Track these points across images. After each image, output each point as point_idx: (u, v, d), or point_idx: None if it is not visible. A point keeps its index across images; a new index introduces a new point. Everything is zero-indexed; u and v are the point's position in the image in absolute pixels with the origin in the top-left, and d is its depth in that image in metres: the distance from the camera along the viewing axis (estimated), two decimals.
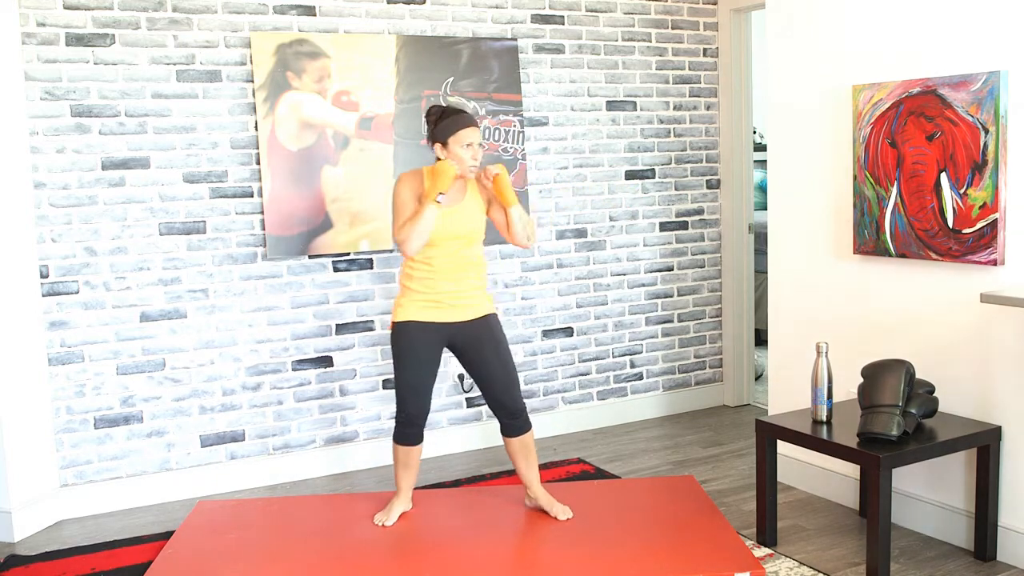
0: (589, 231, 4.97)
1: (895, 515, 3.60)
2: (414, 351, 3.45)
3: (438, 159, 3.40)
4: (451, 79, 4.50)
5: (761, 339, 6.42)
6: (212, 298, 4.17)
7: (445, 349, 3.79)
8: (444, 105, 3.48)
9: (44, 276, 3.88)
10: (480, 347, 3.49)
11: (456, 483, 4.20)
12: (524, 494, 3.84)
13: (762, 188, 7.40)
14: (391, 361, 4.53)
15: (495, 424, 4.78)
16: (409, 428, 3.53)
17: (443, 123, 3.36)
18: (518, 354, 4.81)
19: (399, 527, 3.58)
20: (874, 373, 3.22)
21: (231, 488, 4.27)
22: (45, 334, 3.90)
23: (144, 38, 3.97)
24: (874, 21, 3.53)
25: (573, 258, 4.93)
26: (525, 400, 4.57)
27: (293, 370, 4.35)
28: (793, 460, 4.04)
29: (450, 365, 4.66)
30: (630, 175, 5.06)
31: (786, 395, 4.03)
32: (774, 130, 4.01)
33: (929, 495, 3.49)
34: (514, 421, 3.54)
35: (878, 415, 3.11)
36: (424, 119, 3.44)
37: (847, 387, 3.74)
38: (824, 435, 3.23)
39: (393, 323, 3.50)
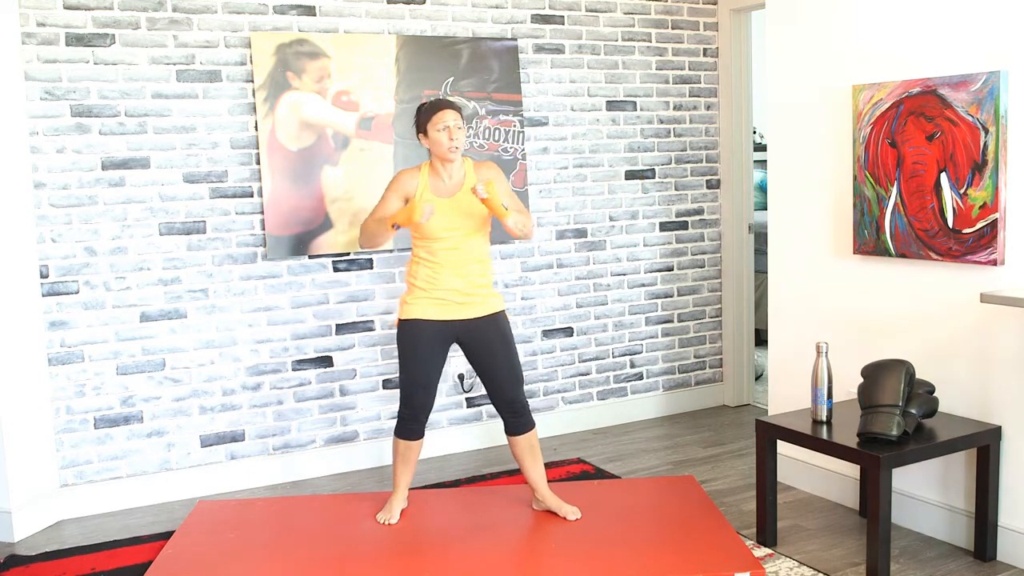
0: (589, 231, 4.97)
1: (895, 515, 3.60)
2: (419, 348, 3.47)
3: (431, 154, 3.48)
4: (451, 79, 4.50)
5: (761, 339, 6.42)
6: (212, 298, 4.17)
7: (454, 345, 3.80)
8: (425, 102, 3.53)
9: (44, 276, 3.88)
10: (488, 345, 3.49)
11: (456, 483, 4.20)
12: (526, 495, 3.84)
13: (762, 188, 7.40)
14: (392, 361, 4.53)
15: (495, 424, 4.78)
16: (412, 423, 3.55)
17: (422, 114, 3.45)
18: (518, 354, 4.80)
19: (399, 527, 3.58)
20: (874, 373, 3.22)
21: (231, 488, 4.27)
22: (45, 334, 3.90)
23: (144, 38, 3.97)
24: (874, 21, 3.53)
25: (573, 258, 4.93)
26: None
27: (293, 370, 4.35)
28: (793, 460, 4.04)
29: (451, 365, 4.66)
30: (630, 175, 5.06)
31: (786, 395, 4.03)
32: (774, 130, 4.01)
33: (929, 495, 3.49)
34: (519, 419, 3.54)
35: (878, 415, 3.11)
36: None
37: (847, 387, 3.74)
38: (824, 435, 3.23)
39: (399, 320, 3.51)
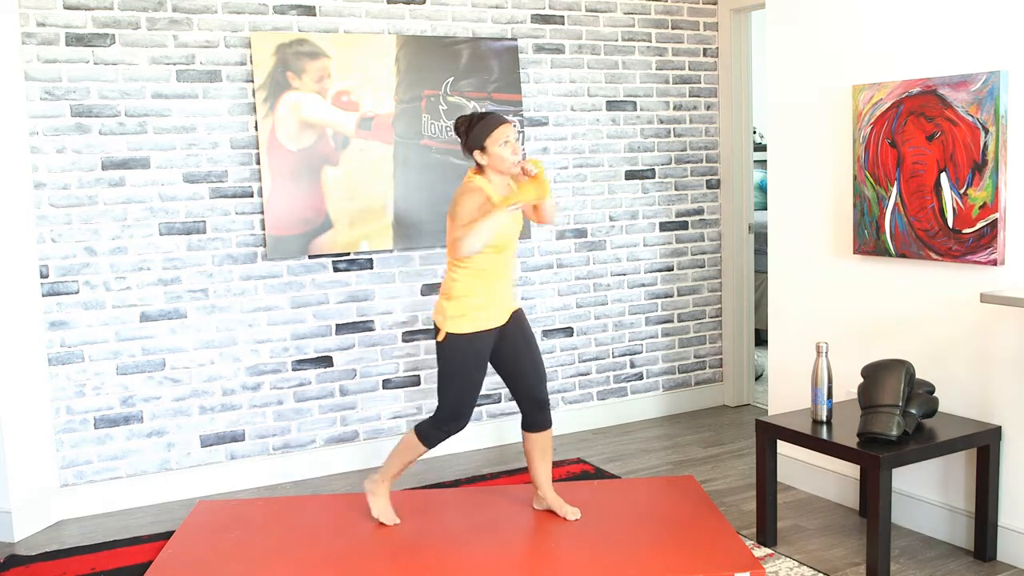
0: (589, 231, 4.97)
1: (895, 515, 3.60)
2: (478, 363, 3.41)
3: (478, 165, 3.37)
4: (451, 79, 4.50)
5: (761, 339, 6.42)
6: (212, 298, 4.17)
7: None
8: (469, 114, 3.42)
9: (44, 276, 3.88)
10: (515, 341, 3.49)
11: (456, 483, 4.20)
12: (526, 495, 3.84)
13: (762, 188, 7.40)
14: (392, 361, 4.53)
15: (495, 424, 4.78)
16: (446, 436, 3.50)
17: (476, 129, 3.34)
18: None
19: (399, 527, 3.58)
20: (874, 373, 3.22)
21: (231, 488, 4.27)
22: (45, 334, 3.90)
23: (144, 38, 3.97)
24: (874, 21, 3.53)
25: (573, 258, 4.93)
26: None
27: (293, 370, 4.35)
28: (793, 460, 4.04)
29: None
30: (630, 175, 5.06)
31: (786, 395, 4.03)
32: (774, 130, 4.01)
33: (929, 495, 3.49)
34: (541, 415, 3.53)
35: (878, 415, 3.11)
36: (455, 134, 3.41)
37: (847, 387, 3.74)
38: (824, 435, 3.23)
39: (451, 334, 3.38)
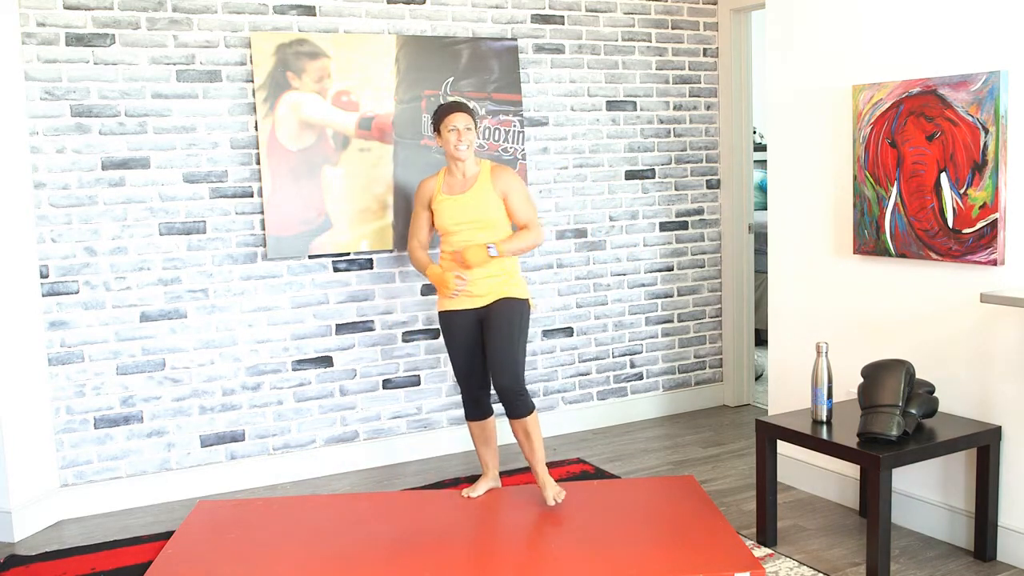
0: (589, 231, 4.97)
1: (895, 515, 3.60)
2: (453, 338, 3.76)
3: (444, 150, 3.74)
4: (451, 79, 4.50)
5: (761, 339, 6.42)
6: (212, 298, 4.17)
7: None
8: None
9: (44, 276, 3.88)
10: (488, 326, 3.70)
11: (456, 483, 4.20)
12: (526, 495, 3.85)
13: (762, 188, 7.40)
14: (392, 361, 4.54)
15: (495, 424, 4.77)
16: (470, 406, 3.85)
17: (436, 114, 3.72)
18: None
19: (399, 527, 3.58)
20: (874, 373, 3.22)
21: (231, 488, 4.27)
22: (45, 334, 3.90)
23: (144, 38, 3.97)
24: (874, 21, 3.53)
25: (573, 258, 4.93)
26: None
27: (293, 370, 4.35)
28: (793, 460, 4.04)
29: (450, 365, 4.66)
30: (630, 175, 5.06)
31: (786, 395, 4.03)
32: (774, 130, 4.01)
33: (929, 495, 3.49)
34: (507, 404, 3.67)
35: (878, 415, 3.11)
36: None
37: (847, 387, 3.74)
38: (824, 435, 3.23)
39: (438, 312, 3.88)
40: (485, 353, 3.73)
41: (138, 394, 4.07)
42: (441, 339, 4.63)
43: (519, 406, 3.65)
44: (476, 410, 3.85)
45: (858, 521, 3.66)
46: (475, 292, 3.70)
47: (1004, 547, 3.24)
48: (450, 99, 4.48)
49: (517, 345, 3.66)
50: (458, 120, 3.65)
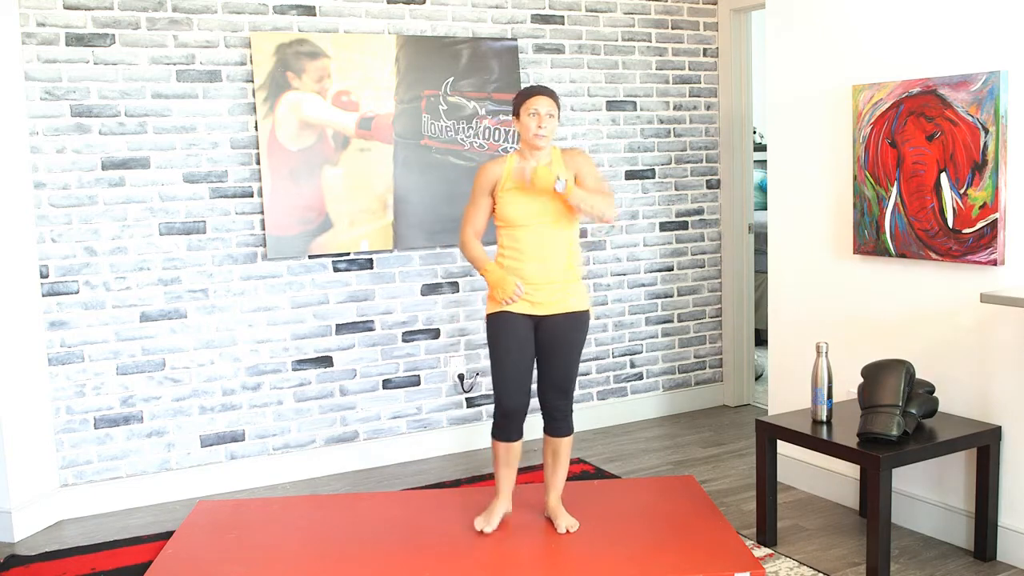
0: (589, 231, 4.97)
1: (895, 515, 3.60)
2: (503, 342, 3.37)
3: (520, 141, 3.41)
4: (451, 79, 4.50)
5: (761, 339, 6.42)
6: (212, 298, 4.17)
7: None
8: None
9: (44, 276, 3.88)
10: (550, 343, 3.41)
11: (456, 483, 4.20)
12: (525, 495, 3.84)
13: (762, 188, 7.40)
14: (392, 361, 4.53)
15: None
16: (503, 423, 3.43)
17: (518, 97, 3.38)
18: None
19: (399, 527, 3.58)
20: (874, 373, 3.22)
21: (231, 488, 4.27)
22: (45, 334, 3.90)
23: (144, 38, 3.97)
24: (874, 21, 3.53)
25: None
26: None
27: (293, 370, 4.35)
28: (793, 460, 4.04)
29: (450, 365, 4.66)
30: (630, 175, 5.06)
31: (786, 395, 4.03)
32: (774, 130, 4.01)
33: (929, 495, 3.49)
34: (554, 422, 3.47)
35: (878, 415, 3.11)
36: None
37: (847, 387, 3.74)
38: (824, 435, 3.23)
39: (487, 314, 3.43)
40: (537, 365, 3.44)
41: (138, 394, 4.07)
42: (441, 340, 4.63)
43: (564, 427, 3.47)
44: (510, 430, 3.43)
45: (858, 521, 3.66)
46: (535, 299, 3.35)
47: (1004, 547, 3.24)
48: (450, 99, 4.49)
49: (578, 364, 3.46)
50: (540, 104, 3.30)
